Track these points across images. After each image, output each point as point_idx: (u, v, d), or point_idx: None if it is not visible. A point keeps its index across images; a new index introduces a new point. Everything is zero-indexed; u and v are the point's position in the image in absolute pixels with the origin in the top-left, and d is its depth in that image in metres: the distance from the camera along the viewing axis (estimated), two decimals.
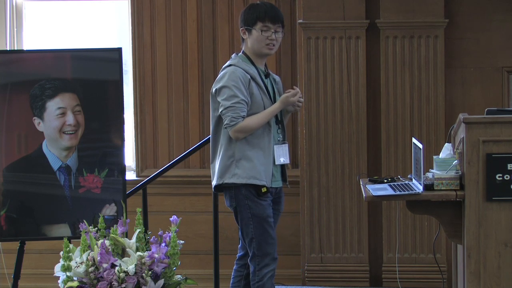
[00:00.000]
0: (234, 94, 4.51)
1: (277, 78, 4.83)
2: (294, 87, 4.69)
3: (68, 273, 4.34)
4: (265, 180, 4.54)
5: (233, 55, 4.71)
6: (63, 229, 4.92)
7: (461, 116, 4.50)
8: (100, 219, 4.56)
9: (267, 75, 4.70)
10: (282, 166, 4.69)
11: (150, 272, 4.30)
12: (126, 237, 4.54)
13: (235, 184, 4.53)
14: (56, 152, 4.91)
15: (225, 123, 4.52)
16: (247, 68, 4.60)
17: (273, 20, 4.61)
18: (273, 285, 4.68)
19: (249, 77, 4.58)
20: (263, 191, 4.53)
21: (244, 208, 4.55)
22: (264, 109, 4.58)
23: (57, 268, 4.43)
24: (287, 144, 4.68)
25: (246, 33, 4.64)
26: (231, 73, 4.56)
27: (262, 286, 4.61)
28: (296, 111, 4.82)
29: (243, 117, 4.51)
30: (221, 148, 4.58)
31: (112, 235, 4.42)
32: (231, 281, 4.78)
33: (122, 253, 4.44)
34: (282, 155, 4.64)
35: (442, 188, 4.47)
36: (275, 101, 4.64)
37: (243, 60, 4.64)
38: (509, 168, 4.37)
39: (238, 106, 4.50)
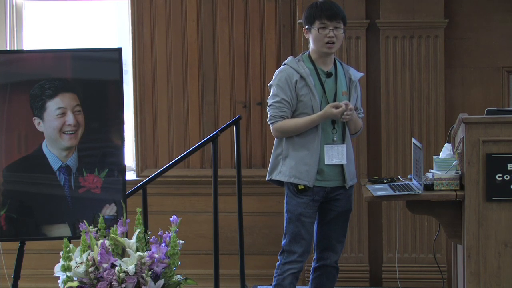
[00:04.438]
0: (277, 93, 4.66)
1: (355, 76, 4.77)
2: (345, 102, 4.64)
3: (68, 273, 4.33)
4: (307, 180, 4.64)
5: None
6: (63, 229, 4.91)
7: (461, 116, 4.50)
8: (100, 219, 4.56)
9: (329, 75, 4.69)
10: (342, 166, 4.70)
11: (150, 272, 4.30)
12: (126, 237, 4.54)
13: (280, 181, 4.74)
14: (56, 152, 4.91)
15: (267, 119, 4.72)
16: (298, 67, 4.65)
17: (330, 18, 4.62)
18: (294, 285, 4.71)
19: (298, 77, 4.63)
20: (299, 188, 4.65)
21: (285, 202, 4.75)
22: (312, 110, 4.63)
23: (57, 268, 4.43)
24: (344, 145, 4.68)
25: (308, 32, 4.70)
26: (279, 72, 4.72)
27: (281, 280, 4.72)
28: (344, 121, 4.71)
29: (282, 117, 4.65)
30: (274, 144, 4.78)
31: (112, 235, 4.41)
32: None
33: (122, 253, 4.43)
34: (335, 156, 4.66)
35: (442, 188, 4.47)
36: (334, 101, 4.66)
37: (301, 59, 4.70)
38: (509, 168, 4.38)
39: (277, 105, 4.65)
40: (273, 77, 4.74)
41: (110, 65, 4.94)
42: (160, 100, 6.41)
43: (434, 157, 4.64)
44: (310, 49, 4.75)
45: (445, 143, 4.75)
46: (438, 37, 5.98)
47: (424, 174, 4.56)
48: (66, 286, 4.34)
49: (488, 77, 6.08)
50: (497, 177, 4.38)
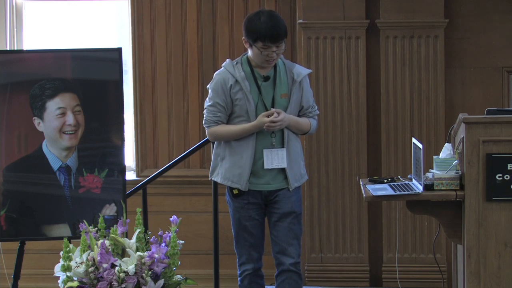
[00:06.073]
0: (211, 97, 4.63)
1: (298, 74, 4.64)
2: (274, 110, 4.55)
3: (68, 273, 4.34)
4: (240, 184, 4.60)
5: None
6: (63, 229, 4.92)
7: (461, 116, 4.50)
8: (100, 219, 4.56)
9: (266, 78, 4.64)
10: (283, 170, 4.65)
11: (150, 272, 4.30)
12: (126, 237, 4.54)
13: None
14: (56, 152, 4.91)
15: (203, 122, 4.68)
16: (234, 71, 4.60)
17: (274, 40, 4.51)
18: (258, 283, 4.70)
19: (233, 81, 4.58)
20: (234, 193, 4.62)
21: (228, 204, 4.74)
22: (247, 114, 4.57)
23: (57, 268, 4.43)
24: (284, 149, 4.60)
25: (248, 44, 4.59)
26: (215, 75, 4.67)
27: (240, 282, 4.74)
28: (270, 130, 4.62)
29: (216, 122, 4.61)
30: (214, 145, 4.73)
31: (112, 235, 4.42)
32: None
33: (122, 253, 4.44)
34: (275, 160, 4.61)
35: (442, 188, 4.47)
36: (272, 103, 4.60)
37: (239, 62, 4.64)
38: (509, 168, 4.37)
39: (211, 109, 4.62)
40: (211, 80, 4.66)
41: (110, 65, 4.94)
42: (160, 100, 6.41)
43: (434, 157, 4.64)
44: (249, 54, 4.65)
45: (445, 143, 4.75)
46: (438, 37, 5.98)
47: (424, 174, 4.56)
48: (66, 286, 4.34)
49: (488, 77, 6.08)
50: (497, 177, 4.38)
